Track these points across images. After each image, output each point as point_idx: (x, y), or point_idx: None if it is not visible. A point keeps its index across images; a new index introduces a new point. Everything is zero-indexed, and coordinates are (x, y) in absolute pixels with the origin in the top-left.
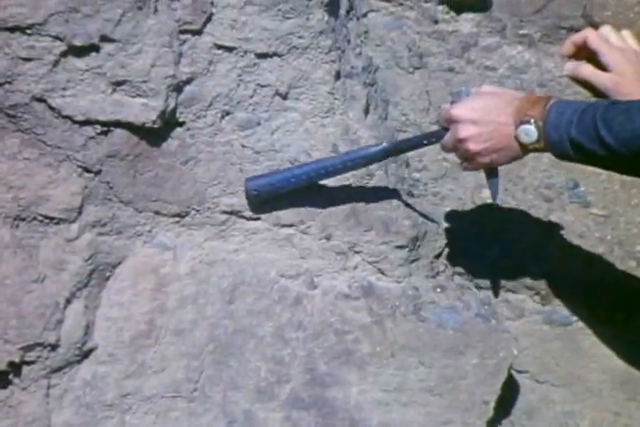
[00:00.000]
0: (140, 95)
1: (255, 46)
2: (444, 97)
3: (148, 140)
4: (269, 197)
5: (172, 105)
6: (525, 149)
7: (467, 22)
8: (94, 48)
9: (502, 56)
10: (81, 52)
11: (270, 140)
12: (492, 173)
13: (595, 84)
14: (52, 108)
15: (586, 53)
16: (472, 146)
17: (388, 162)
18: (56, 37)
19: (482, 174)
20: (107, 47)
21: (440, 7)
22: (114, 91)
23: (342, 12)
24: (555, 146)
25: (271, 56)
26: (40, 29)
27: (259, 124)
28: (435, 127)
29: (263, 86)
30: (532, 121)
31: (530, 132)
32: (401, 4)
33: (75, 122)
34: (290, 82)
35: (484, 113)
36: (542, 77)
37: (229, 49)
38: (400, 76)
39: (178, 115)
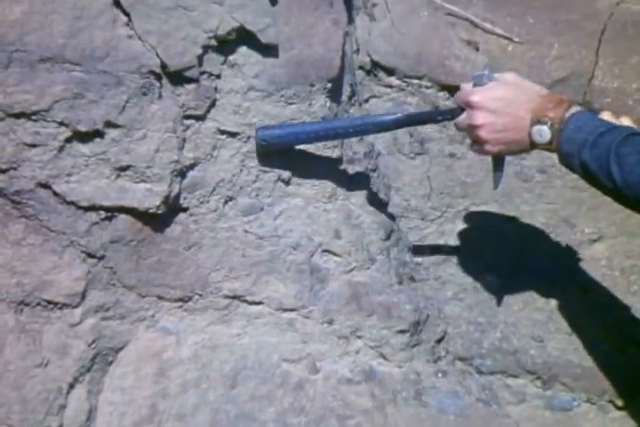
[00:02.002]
0: (144, 181)
1: None
2: (446, 183)
3: (151, 226)
4: (277, 150)
5: (175, 190)
6: (535, 146)
7: None
8: (99, 134)
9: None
10: (85, 137)
11: (273, 225)
12: (498, 161)
13: None
14: (56, 194)
15: None
16: (485, 134)
17: (390, 246)
18: (61, 123)
19: (482, 261)
20: (111, 133)
21: (441, 93)
22: (118, 176)
23: (344, 97)
24: (564, 157)
25: None
26: (45, 115)
27: (262, 209)
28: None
29: (266, 172)
30: (549, 124)
31: (544, 133)
32: (402, 90)
33: (79, 207)
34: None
35: (504, 104)
36: (543, 163)
37: (233, 134)
38: (401, 161)
39: (181, 200)
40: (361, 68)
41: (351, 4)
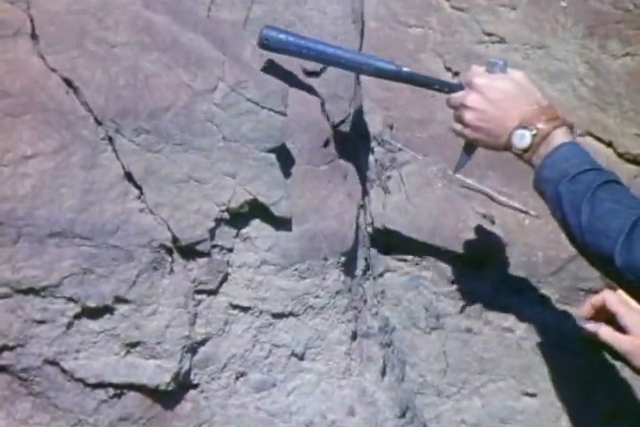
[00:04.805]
0: (153, 357)
1: (271, 306)
2: (462, 358)
3: (161, 403)
4: (275, 52)
5: (186, 367)
6: (509, 148)
7: (483, 283)
8: (108, 309)
9: (520, 317)
10: (95, 313)
11: (286, 402)
12: (469, 148)
13: (614, 347)
14: (64, 371)
15: (605, 315)
16: (470, 117)
17: (405, 424)
18: (70, 299)
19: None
20: (121, 308)
21: (457, 267)
22: (128, 353)
23: (358, 271)
24: (540, 181)
25: (287, 316)
26: (54, 291)
27: (274, 385)
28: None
29: (279, 347)
30: (534, 133)
31: (524, 140)
32: (417, 264)
33: (87, 385)
34: (306, 342)
35: (502, 98)
36: (560, 339)
37: (245, 309)
38: (417, 336)
39: (192, 376)
40: (375, 241)
41: (365, 177)
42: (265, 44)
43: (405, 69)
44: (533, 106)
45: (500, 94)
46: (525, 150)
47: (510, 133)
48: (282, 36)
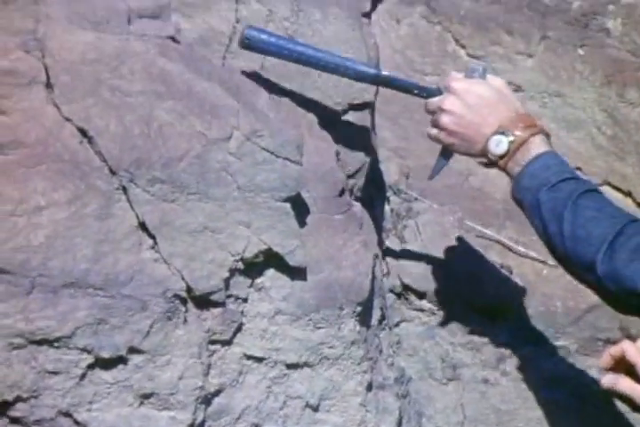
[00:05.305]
0: (167, 408)
1: (285, 357)
2: (480, 410)
3: None
4: (255, 51)
5: (200, 418)
6: (485, 155)
7: (501, 333)
8: (122, 360)
9: (537, 368)
10: (108, 364)
11: None
12: (446, 152)
13: (634, 399)
14: (77, 423)
15: (624, 366)
16: (447, 121)
17: None
18: (83, 350)
19: None
20: (135, 359)
21: (474, 317)
22: (141, 404)
23: (374, 321)
24: (519, 190)
25: (301, 367)
26: (67, 342)
27: None
28: None
29: (293, 398)
30: (512, 139)
31: (501, 146)
32: (434, 314)
33: None
34: (321, 393)
35: (481, 103)
36: (579, 391)
37: (259, 359)
38: (433, 387)
39: None
40: (391, 291)
41: (381, 226)
42: (246, 43)
43: (384, 73)
44: (511, 113)
45: (478, 99)
46: (501, 156)
47: (487, 139)
48: (263, 37)
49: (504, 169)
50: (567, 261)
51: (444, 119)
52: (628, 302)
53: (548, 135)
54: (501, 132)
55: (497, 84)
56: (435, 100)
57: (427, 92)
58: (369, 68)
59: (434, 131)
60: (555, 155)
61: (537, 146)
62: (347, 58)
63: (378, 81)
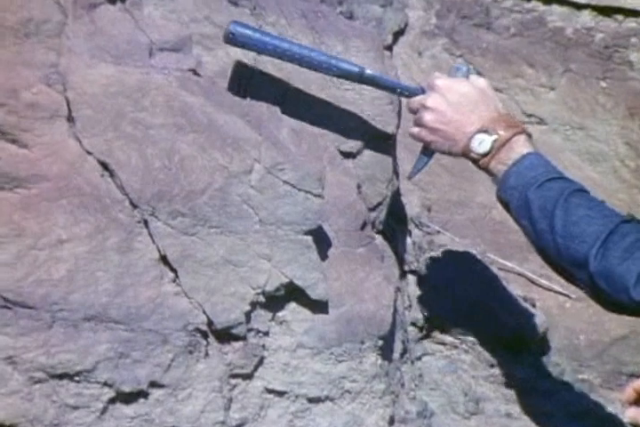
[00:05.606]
0: None
1: (307, 390)
2: None
3: None
4: (239, 46)
5: None
6: (467, 154)
7: (523, 367)
8: (143, 394)
9: (560, 401)
10: (129, 398)
11: None
12: (428, 151)
13: None
14: None
15: None
16: (429, 118)
17: None
18: (104, 384)
19: None
20: (156, 393)
21: (496, 351)
22: None
23: (396, 355)
24: (505, 189)
25: (323, 401)
26: (88, 376)
27: None
28: None
29: None
30: (495, 138)
31: (484, 144)
32: (456, 348)
33: None
34: None
35: (463, 101)
36: (602, 425)
37: (280, 393)
38: (456, 421)
39: None
40: (413, 324)
41: (403, 259)
42: (230, 38)
43: (368, 71)
44: (494, 112)
45: (461, 97)
46: (484, 155)
47: (469, 138)
48: (248, 32)
49: (485, 168)
50: (557, 258)
51: (427, 117)
52: (617, 300)
53: (530, 135)
54: (484, 130)
55: (480, 83)
56: (417, 99)
57: (409, 91)
58: (353, 66)
59: (416, 129)
60: (540, 155)
61: (521, 145)
62: (332, 55)
63: (362, 79)
